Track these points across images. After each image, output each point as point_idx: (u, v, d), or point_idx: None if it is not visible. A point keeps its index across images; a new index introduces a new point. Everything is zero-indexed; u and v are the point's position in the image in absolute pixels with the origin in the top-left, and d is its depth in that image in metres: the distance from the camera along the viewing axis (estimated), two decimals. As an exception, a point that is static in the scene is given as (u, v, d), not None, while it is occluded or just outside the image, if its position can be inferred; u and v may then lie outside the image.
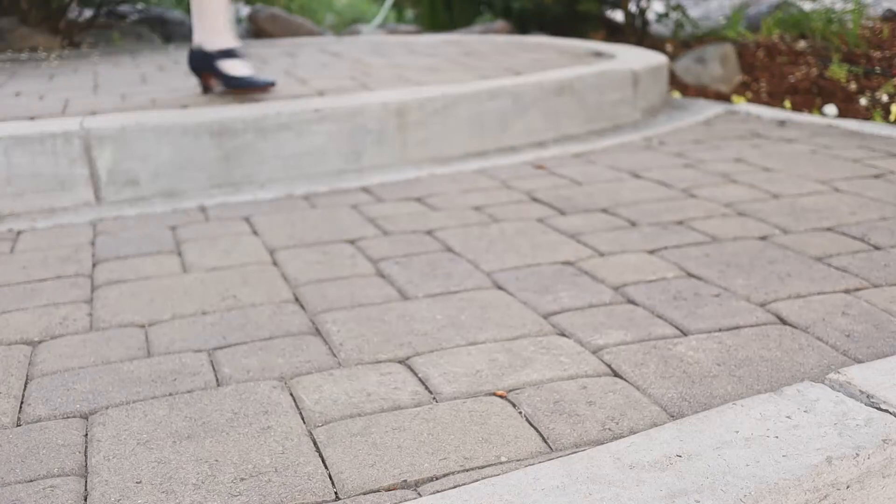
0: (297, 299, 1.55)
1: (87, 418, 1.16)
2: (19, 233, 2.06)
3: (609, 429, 1.07)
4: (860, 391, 1.07)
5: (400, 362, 1.29)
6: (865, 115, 3.32)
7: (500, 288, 1.55)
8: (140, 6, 6.38)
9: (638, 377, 1.20)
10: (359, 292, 1.56)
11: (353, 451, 1.04)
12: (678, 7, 4.83)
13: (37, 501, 0.97)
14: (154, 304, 1.55)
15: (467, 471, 1.00)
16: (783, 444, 0.97)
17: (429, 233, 1.91)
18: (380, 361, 1.29)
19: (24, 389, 1.25)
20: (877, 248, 1.68)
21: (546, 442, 1.05)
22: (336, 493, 0.97)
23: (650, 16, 5.31)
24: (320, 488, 0.97)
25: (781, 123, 3.00)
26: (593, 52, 3.66)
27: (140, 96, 2.86)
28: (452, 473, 0.99)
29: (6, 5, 5.36)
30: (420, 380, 1.22)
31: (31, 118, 2.48)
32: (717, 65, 3.95)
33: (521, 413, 1.12)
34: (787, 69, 3.89)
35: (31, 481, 1.01)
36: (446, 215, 2.03)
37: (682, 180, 2.26)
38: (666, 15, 5.02)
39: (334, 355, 1.32)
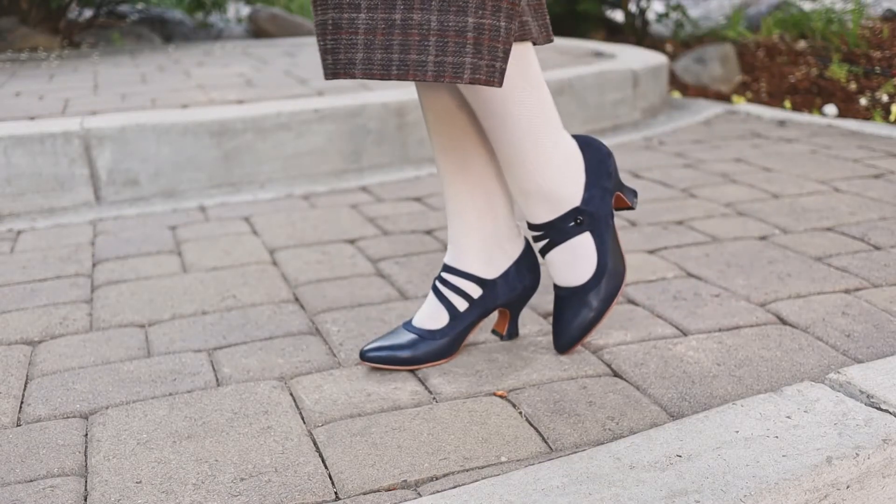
0: (296, 299, 1.55)
1: (87, 418, 1.16)
2: (19, 233, 2.06)
3: (609, 429, 1.07)
4: (860, 391, 1.07)
5: (400, 362, 1.28)
6: (865, 115, 3.32)
7: (500, 288, 1.55)
8: (140, 6, 6.39)
9: (638, 377, 1.20)
10: (359, 292, 1.56)
11: (353, 451, 1.04)
12: (678, 7, 4.83)
13: (37, 501, 0.97)
14: (154, 304, 1.55)
15: (467, 471, 1.00)
16: (783, 444, 0.97)
17: (429, 233, 1.91)
18: (380, 361, 1.29)
19: (24, 389, 1.25)
20: (877, 248, 1.68)
21: (546, 442, 1.05)
22: (336, 493, 0.97)
23: (650, 16, 5.31)
24: (320, 488, 0.97)
25: (781, 123, 3.00)
26: (593, 52, 3.66)
27: (140, 96, 2.86)
28: (452, 473, 0.99)
29: (6, 5, 5.37)
30: (420, 380, 1.22)
31: (31, 118, 2.48)
32: (717, 65, 3.95)
33: (521, 413, 1.12)
34: (787, 69, 3.89)
35: (31, 481, 1.01)
36: (446, 215, 2.03)
37: (682, 180, 2.26)
38: (666, 15, 5.03)
39: (334, 355, 1.32)
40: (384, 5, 0.93)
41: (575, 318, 1.26)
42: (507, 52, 0.96)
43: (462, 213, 1.25)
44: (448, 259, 1.28)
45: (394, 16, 0.93)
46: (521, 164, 1.18)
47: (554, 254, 1.25)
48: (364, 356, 1.24)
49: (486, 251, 1.26)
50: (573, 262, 1.25)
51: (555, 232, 1.24)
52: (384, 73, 0.95)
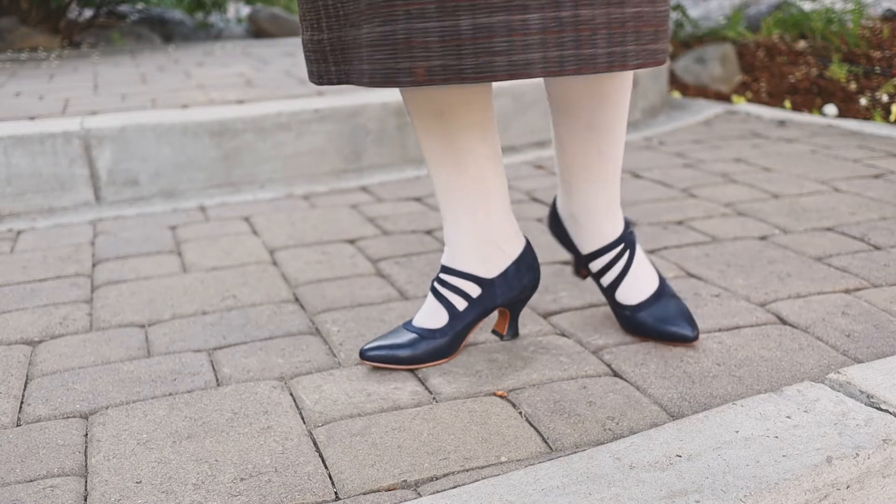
0: (296, 299, 1.55)
1: (87, 418, 1.16)
2: (19, 233, 2.06)
3: (609, 429, 1.07)
4: (860, 391, 1.07)
5: (400, 362, 1.28)
6: (865, 115, 3.32)
7: (500, 288, 1.55)
8: (140, 6, 6.39)
9: (638, 377, 1.20)
10: (359, 292, 1.56)
11: (353, 451, 1.04)
12: (678, 7, 4.82)
13: (37, 501, 0.97)
14: (154, 304, 1.55)
15: (467, 471, 1.00)
16: (783, 444, 0.97)
17: (429, 233, 1.91)
18: (380, 361, 1.29)
19: (24, 389, 1.25)
20: (877, 248, 1.68)
21: (546, 442, 1.05)
22: (336, 493, 0.97)
23: (650, 16, 5.29)
24: (320, 488, 0.97)
25: (781, 123, 3.00)
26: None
27: (140, 96, 2.86)
28: (452, 473, 0.99)
29: (6, 5, 5.37)
30: (420, 380, 1.22)
31: (31, 118, 2.48)
32: (717, 65, 3.95)
33: (521, 413, 1.12)
34: (787, 69, 3.89)
35: (31, 481, 1.01)
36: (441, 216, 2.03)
37: (682, 180, 2.26)
38: (666, 15, 5.00)
39: (334, 355, 1.32)
40: (551, 4, 0.96)
41: (676, 306, 1.30)
42: (658, 34, 1.02)
43: (456, 214, 1.25)
44: (445, 259, 1.28)
45: (562, 14, 0.96)
46: (601, 163, 1.25)
47: (637, 265, 1.31)
48: (364, 355, 1.24)
49: (481, 251, 1.26)
50: (647, 267, 1.32)
51: (629, 239, 1.31)
52: (560, 70, 0.98)
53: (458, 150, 1.21)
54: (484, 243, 1.26)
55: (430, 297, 1.28)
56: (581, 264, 1.37)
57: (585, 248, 1.33)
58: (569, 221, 1.34)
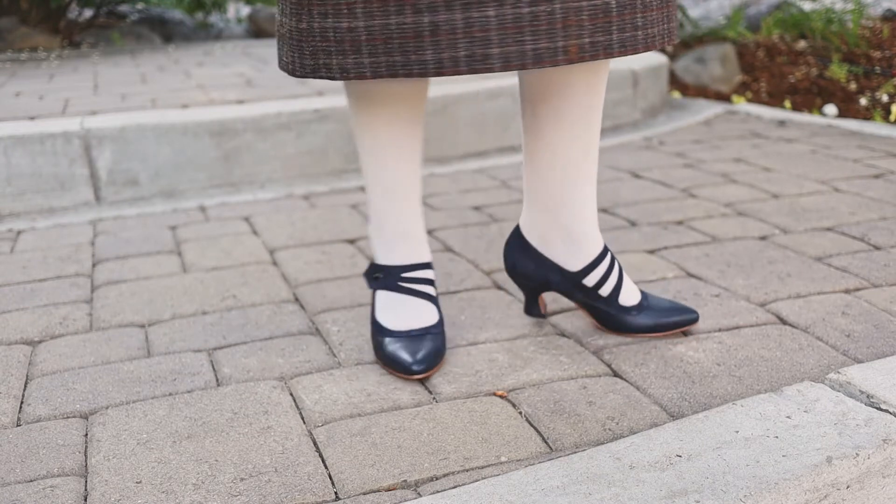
0: (296, 299, 1.55)
1: (87, 418, 1.16)
2: (19, 233, 2.06)
3: (609, 429, 1.07)
4: (860, 391, 1.07)
5: (400, 362, 1.28)
6: (865, 115, 3.32)
7: (499, 288, 1.55)
8: (140, 6, 6.39)
9: (638, 377, 1.20)
10: (359, 292, 1.56)
11: (353, 451, 1.04)
12: (678, 7, 4.82)
13: (37, 501, 0.97)
14: (154, 304, 1.55)
15: (467, 471, 1.00)
16: (783, 444, 0.97)
17: (429, 232, 1.90)
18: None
19: (24, 389, 1.25)
20: (877, 248, 1.68)
21: (546, 442, 1.05)
22: (336, 493, 0.97)
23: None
24: (320, 488, 0.97)
25: (781, 123, 3.00)
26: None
27: (140, 96, 2.86)
28: (452, 473, 0.99)
29: (6, 5, 5.37)
30: (420, 380, 1.22)
31: (31, 118, 2.48)
32: (717, 65, 3.95)
33: (521, 413, 1.12)
34: (787, 69, 3.89)
35: (31, 481, 1.01)
36: (446, 215, 2.03)
37: (682, 180, 2.26)
38: (666, 15, 5.00)
39: (334, 355, 1.32)
40: None
41: (664, 299, 1.34)
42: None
43: (409, 205, 1.27)
44: (402, 259, 1.28)
45: None
46: (592, 158, 1.24)
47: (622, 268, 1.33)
48: (417, 371, 1.20)
49: (424, 235, 1.31)
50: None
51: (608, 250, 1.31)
52: (662, 42, 1.06)
53: (415, 139, 1.24)
54: (422, 227, 1.31)
55: (410, 298, 1.28)
56: (567, 286, 1.29)
57: (576, 264, 1.27)
58: (552, 242, 1.27)
